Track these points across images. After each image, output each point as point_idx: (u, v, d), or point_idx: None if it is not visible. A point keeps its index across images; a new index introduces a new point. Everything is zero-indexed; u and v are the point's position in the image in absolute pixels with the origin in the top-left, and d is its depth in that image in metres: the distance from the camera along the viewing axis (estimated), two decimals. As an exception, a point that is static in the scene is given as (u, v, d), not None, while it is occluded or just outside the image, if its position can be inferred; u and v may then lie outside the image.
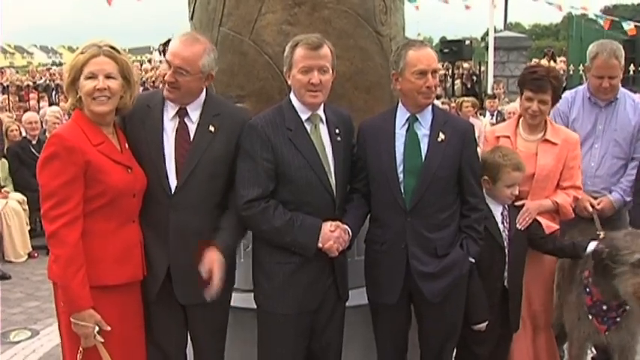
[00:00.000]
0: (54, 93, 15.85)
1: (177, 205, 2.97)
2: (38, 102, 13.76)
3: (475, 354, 3.47)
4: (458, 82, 17.18)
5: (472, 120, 8.97)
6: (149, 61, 24.24)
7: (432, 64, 3.07)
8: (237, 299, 3.25)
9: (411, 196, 3.08)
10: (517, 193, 3.47)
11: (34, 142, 8.48)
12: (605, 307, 3.48)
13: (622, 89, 4.20)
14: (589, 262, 3.54)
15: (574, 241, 3.66)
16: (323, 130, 3.09)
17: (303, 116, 3.04)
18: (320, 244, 2.96)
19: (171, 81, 2.94)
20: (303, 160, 2.99)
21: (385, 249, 3.15)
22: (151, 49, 37.79)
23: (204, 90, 3.08)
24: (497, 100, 12.06)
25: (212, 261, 2.89)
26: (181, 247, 2.97)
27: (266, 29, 3.54)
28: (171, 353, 3.13)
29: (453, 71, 17.34)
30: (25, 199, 8.04)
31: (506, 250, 3.46)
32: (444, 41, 20.89)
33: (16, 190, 8.23)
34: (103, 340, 2.77)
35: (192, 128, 3.02)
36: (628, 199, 4.05)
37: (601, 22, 17.48)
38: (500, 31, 18.89)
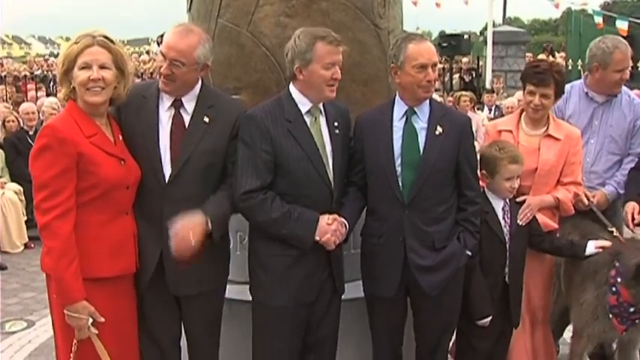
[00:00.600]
0: (51, 84, 15.81)
1: (171, 196, 2.95)
2: (36, 92, 13.73)
3: (476, 349, 3.47)
4: (456, 76, 17.16)
5: (470, 114, 8.95)
6: (147, 52, 24.15)
7: (433, 58, 3.06)
8: (233, 291, 3.25)
9: (409, 189, 3.08)
10: (516, 186, 3.46)
11: (31, 132, 8.46)
12: (632, 310, 3.43)
13: None
14: (620, 262, 3.47)
15: (572, 241, 3.65)
16: (322, 122, 3.09)
17: (303, 109, 3.03)
18: (317, 237, 2.96)
19: (167, 73, 2.92)
20: (302, 152, 2.98)
21: (382, 242, 3.15)
22: (150, 41, 37.65)
23: (200, 81, 3.06)
24: (495, 94, 12.05)
25: (194, 223, 2.83)
26: None
27: (263, 21, 3.53)
28: (165, 345, 3.12)
29: (451, 65, 17.33)
30: (22, 189, 8.02)
31: (507, 245, 3.45)
32: (442, 35, 20.86)
33: (12, 180, 8.21)
34: (97, 332, 2.76)
35: (187, 119, 3.01)
36: (622, 191, 4.06)
37: (596, 19, 17.41)
38: (499, 25, 18.87)
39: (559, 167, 3.65)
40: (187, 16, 3.88)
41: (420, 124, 3.13)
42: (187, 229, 2.82)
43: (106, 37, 2.82)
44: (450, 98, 11.94)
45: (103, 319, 2.77)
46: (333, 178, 3.06)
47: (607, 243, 3.60)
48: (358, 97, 3.58)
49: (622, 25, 16.79)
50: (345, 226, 3.04)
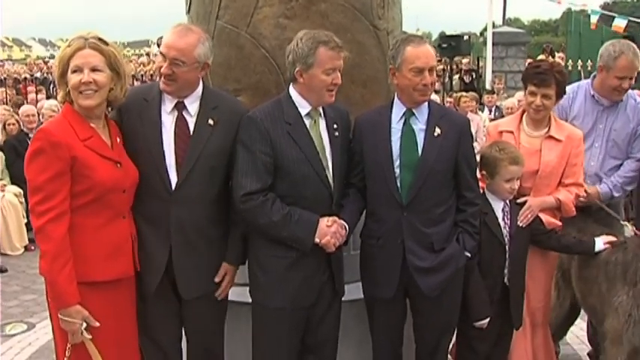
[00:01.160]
0: (51, 86, 15.80)
1: (178, 200, 2.95)
2: (36, 95, 13.72)
3: (476, 351, 3.46)
4: (456, 77, 17.14)
5: (470, 115, 8.90)
6: (147, 54, 24.13)
7: (430, 62, 3.04)
8: (233, 293, 3.25)
9: (408, 190, 3.07)
10: (516, 187, 3.45)
11: (31, 135, 8.44)
12: None
13: None
14: None
15: (580, 239, 3.63)
16: (322, 125, 3.09)
17: (303, 111, 3.03)
18: (317, 239, 2.96)
19: (168, 73, 2.92)
20: (301, 154, 2.98)
21: (381, 243, 3.15)
22: (150, 43, 37.69)
23: (201, 82, 3.06)
24: (495, 95, 12.04)
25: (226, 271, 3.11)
26: (183, 241, 2.98)
27: (263, 23, 3.53)
28: (166, 347, 3.12)
29: (451, 66, 17.32)
30: (22, 192, 8.01)
31: (507, 247, 3.44)
32: (442, 36, 20.83)
33: (12, 183, 8.20)
34: (90, 337, 2.74)
35: (191, 122, 3.01)
36: (616, 194, 4.03)
37: (592, 19, 17.33)
38: (499, 26, 18.84)
39: (560, 169, 3.63)
40: (186, 18, 3.88)
41: (419, 125, 3.12)
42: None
43: (99, 39, 2.79)
44: (450, 99, 11.92)
45: (97, 324, 2.75)
46: (332, 179, 3.06)
47: (613, 238, 3.60)
48: (357, 99, 3.58)
49: (620, 23, 16.71)
50: (345, 228, 3.04)
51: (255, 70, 3.56)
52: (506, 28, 18.42)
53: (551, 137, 3.65)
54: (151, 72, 16.57)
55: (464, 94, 11.17)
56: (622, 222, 3.75)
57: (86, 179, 2.73)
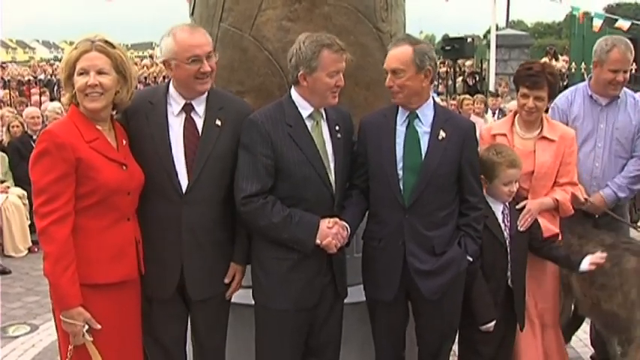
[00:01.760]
0: (55, 88, 15.83)
1: (189, 202, 2.96)
2: (40, 97, 13.74)
3: (481, 354, 3.45)
4: (459, 79, 17.15)
5: (475, 118, 8.88)
6: (150, 56, 24.16)
7: (391, 64, 3.06)
8: (237, 295, 3.25)
9: (410, 193, 3.07)
10: (515, 190, 3.44)
11: (35, 137, 8.47)
12: None
13: (624, 88, 4.18)
14: None
15: (569, 255, 3.55)
16: (324, 126, 3.09)
17: (305, 113, 3.04)
18: (318, 241, 2.96)
19: (209, 70, 2.95)
20: (302, 156, 2.98)
21: (383, 245, 3.15)
22: (153, 45, 37.75)
23: None
24: (499, 98, 12.05)
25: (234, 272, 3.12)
26: (194, 243, 2.98)
27: (266, 25, 3.53)
28: (172, 349, 3.12)
29: (454, 69, 17.32)
30: (25, 193, 8.03)
31: (508, 249, 3.44)
32: (446, 39, 20.84)
33: (16, 184, 8.23)
34: (91, 339, 2.73)
35: (199, 123, 3.02)
36: (622, 195, 4.02)
37: (595, 22, 17.31)
38: (503, 28, 18.88)
39: (555, 169, 3.63)
40: (190, 21, 3.88)
41: (423, 128, 3.12)
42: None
43: (106, 42, 2.79)
44: (453, 102, 11.92)
45: (99, 326, 2.74)
46: (334, 181, 3.06)
47: (600, 259, 3.45)
48: (361, 101, 3.58)
49: (623, 23, 16.67)
50: (347, 229, 3.04)
51: (259, 72, 3.57)
52: (509, 31, 18.46)
53: (544, 138, 3.64)
54: (155, 74, 16.59)
55: (467, 96, 11.17)
56: (638, 226, 3.69)
57: (91, 181, 2.73)
